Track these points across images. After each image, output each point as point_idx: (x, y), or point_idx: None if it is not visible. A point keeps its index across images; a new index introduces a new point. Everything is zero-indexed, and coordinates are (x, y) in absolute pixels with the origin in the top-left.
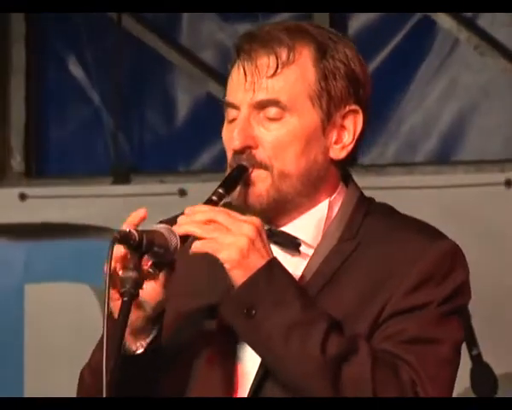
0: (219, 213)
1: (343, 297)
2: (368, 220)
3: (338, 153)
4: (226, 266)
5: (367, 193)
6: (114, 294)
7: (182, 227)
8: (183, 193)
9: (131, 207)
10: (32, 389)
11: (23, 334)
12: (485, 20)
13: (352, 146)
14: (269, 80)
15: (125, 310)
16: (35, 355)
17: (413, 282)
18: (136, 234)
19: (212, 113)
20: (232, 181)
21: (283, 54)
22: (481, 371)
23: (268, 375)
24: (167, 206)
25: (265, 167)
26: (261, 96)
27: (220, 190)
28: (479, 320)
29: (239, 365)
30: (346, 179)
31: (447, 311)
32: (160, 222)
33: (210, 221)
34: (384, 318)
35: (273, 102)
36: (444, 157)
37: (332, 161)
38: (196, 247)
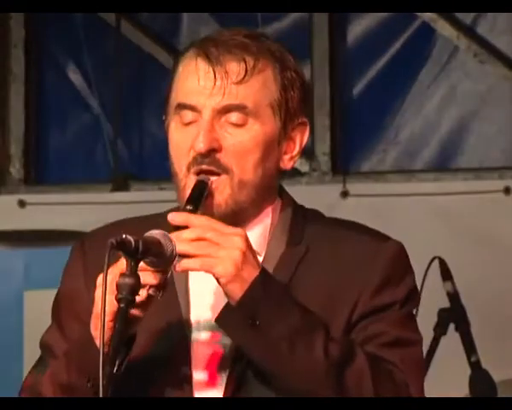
0: (206, 230)
1: (306, 303)
2: (309, 225)
3: (286, 163)
4: (222, 280)
5: (366, 200)
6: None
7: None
8: None
9: (130, 214)
10: None
11: (23, 340)
12: (485, 28)
13: (297, 157)
14: (236, 86)
15: (122, 316)
16: (34, 361)
17: (376, 283)
18: (132, 240)
19: None
20: (197, 197)
21: (251, 61)
22: (480, 377)
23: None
24: None
25: (226, 172)
26: (228, 100)
27: (189, 207)
28: (477, 327)
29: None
30: (280, 187)
31: (408, 312)
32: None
33: (199, 239)
34: (355, 319)
35: (239, 107)
36: (443, 164)
37: (279, 170)
38: (187, 265)
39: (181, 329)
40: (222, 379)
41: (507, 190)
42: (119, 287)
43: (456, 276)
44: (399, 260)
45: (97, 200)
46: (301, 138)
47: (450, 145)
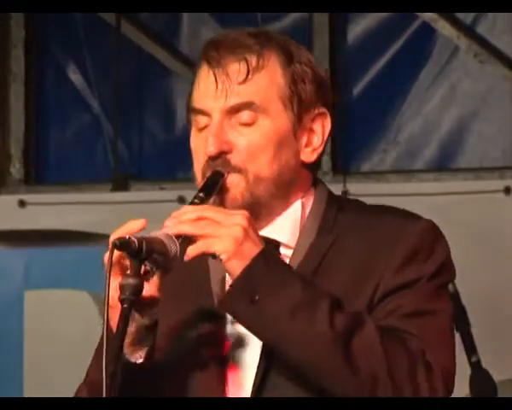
0: (207, 209)
1: (331, 288)
2: (341, 215)
3: (309, 156)
4: (222, 257)
5: (367, 200)
6: (114, 305)
7: (172, 228)
8: (182, 200)
9: (131, 214)
10: (32, 395)
11: (23, 340)
12: (485, 28)
13: (321, 149)
14: (240, 86)
15: (125, 317)
16: (35, 361)
17: (400, 261)
18: (135, 241)
19: None
20: (210, 186)
21: (253, 60)
22: (481, 377)
23: (267, 378)
24: (166, 213)
25: (239, 171)
26: (234, 100)
27: (201, 194)
28: (478, 326)
29: (230, 373)
30: (316, 182)
31: (437, 285)
32: None
33: (200, 218)
34: (378, 298)
35: (246, 104)
36: (443, 164)
37: (303, 163)
38: (191, 251)
39: (212, 317)
40: (253, 364)
41: (507, 190)
42: (122, 288)
43: (457, 276)
44: (428, 235)
45: (97, 200)
46: (323, 129)
47: (450, 145)
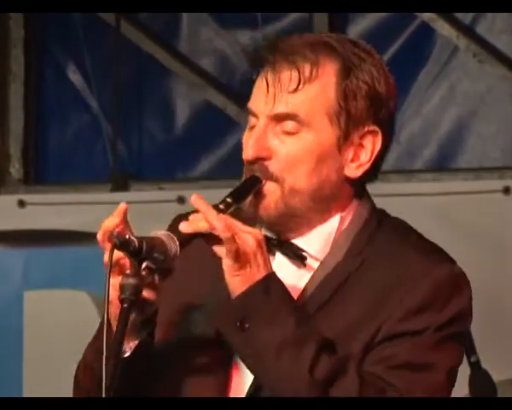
0: (221, 221)
1: (344, 314)
2: (377, 235)
3: (354, 171)
4: (225, 271)
5: None
6: (113, 300)
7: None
8: (181, 200)
9: (130, 214)
10: (31, 395)
11: (22, 340)
12: (484, 28)
13: (368, 165)
14: (289, 95)
15: (125, 317)
16: (34, 361)
17: (411, 305)
18: (135, 240)
19: (211, 120)
20: (243, 191)
21: (306, 70)
22: (480, 377)
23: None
24: (166, 213)
25: (276, 180)
26: (280, 109)
27: (228, 200)
28: (477, 327)
29: (234, 372)
30: (361, 194)
31: (444, 337)
32: None
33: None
34: (379, 339)
35: (291, 116)
36: (443, 164)
37: (346, 178)
38: (196, 226)
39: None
40: None
41: (507, 190)
42: (122, 287)
43: None
44: (448, 284)
45: (97, 200)
46: (372, 146)
47: (449, 145)
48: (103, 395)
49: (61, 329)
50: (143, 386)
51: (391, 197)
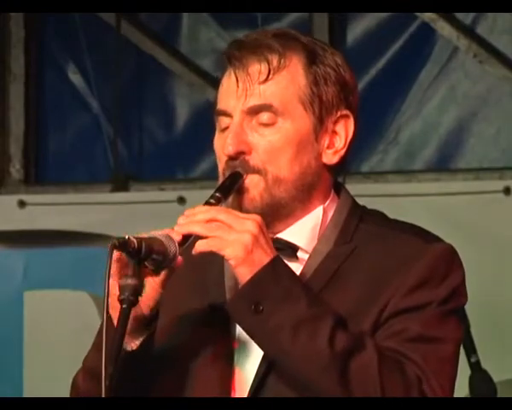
0: (220, 212)
1: (342, 298)
2: (362, 225)
3: (331, 158)
4: (231, 262)
5: (366, 200)
6: (113, 301)
7: (184, 227)
8: (182, 200)
9: (130, 214)
10: (32, 395)
11: (22, 340)
12: (485, 28)
13: (344, 151)
14: (261, 86)
15: (124, 318)
16: (34, 361)
17: (412, 283)
18: (134, 241)
19: (211, 120)
20: (227, 187)
21: (274, 60)
22: (480, 378)
23: (266, 381)
24: (166, 213)
25: (259, 172)
26: (253, 101)
27: (218, 194)
28: (477, 327)
29: (237, 369)
30: (338, 187)
31: (446, 311)
32: None
33: (212, 220)
34: (385, 317)
35: (265, 106)
36: (443, 165)
37: (325, 166)
38: (200, 246)
39: (224, 311)
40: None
41: (507, 191)
42: (121, 288)
43: None
44: (442, 260)
45: (97, 200)
46: (346, 132)
47: (449, 146)
48: (103, 394)
49: (61, 329)
50: (144, 382)
51: (391, 197)
